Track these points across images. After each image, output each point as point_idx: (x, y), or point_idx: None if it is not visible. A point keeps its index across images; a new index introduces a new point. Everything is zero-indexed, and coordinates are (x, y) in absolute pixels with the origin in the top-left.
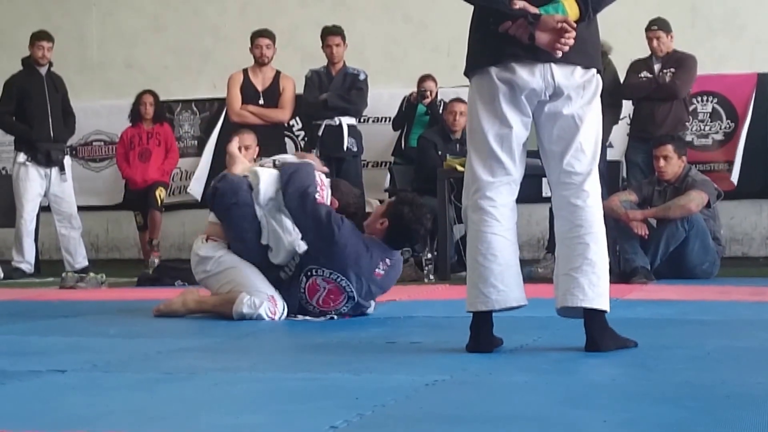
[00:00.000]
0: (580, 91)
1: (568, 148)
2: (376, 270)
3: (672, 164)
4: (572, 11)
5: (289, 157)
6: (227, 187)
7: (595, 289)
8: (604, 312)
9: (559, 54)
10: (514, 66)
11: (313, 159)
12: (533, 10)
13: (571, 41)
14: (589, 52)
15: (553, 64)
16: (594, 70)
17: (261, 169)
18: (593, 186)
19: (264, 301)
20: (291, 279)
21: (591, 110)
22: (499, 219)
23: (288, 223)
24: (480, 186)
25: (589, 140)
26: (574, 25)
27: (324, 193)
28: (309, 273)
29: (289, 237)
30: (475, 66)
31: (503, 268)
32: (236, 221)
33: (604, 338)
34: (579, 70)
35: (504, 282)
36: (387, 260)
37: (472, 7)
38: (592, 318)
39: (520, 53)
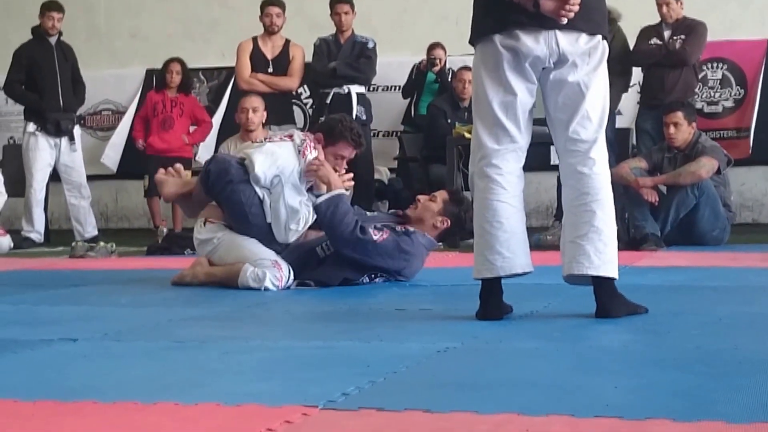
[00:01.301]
0: (585, 58)
1: (574, 115)
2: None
3: (682, 131)
4: None
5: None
6: (217, 168)
7: (602, 256)
8: (613, 279)
9: (564, 20)
10: (518, 33)
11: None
12: None
13: (576, 7)
14: (594, 19)
15: (557, 31)
16: (599, 37)
17: (253, 151)
18: (600, 153)
19: (267, 269)
20: (330, 257)
21: (597, 77)
22: (505, 186)
23: (293, 200)
24: (486, 153)
25: (595, 107)
26: None
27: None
28: (373, 275)
29: (294, 217)
30: (479, 34)
31: (509, 235)
32: (235, 198)
33: (614, 304)
34: (584, 36)
35: (510, 249)
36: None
37: None
38: (600, 285)
39: (524, 20)
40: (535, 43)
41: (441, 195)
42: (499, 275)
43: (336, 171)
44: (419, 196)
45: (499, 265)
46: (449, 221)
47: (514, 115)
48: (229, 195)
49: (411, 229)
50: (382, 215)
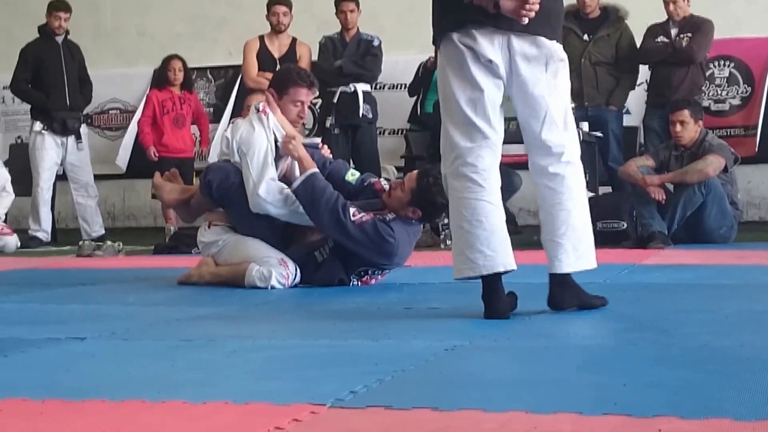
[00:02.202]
0: (543, 64)
1: (541, 122)
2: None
3: (688, 129)
4: None
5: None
6: (218, 177)
7: (578, 252)
8: (568, 273)
9: (525, 21)
10: (475, 33)
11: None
12: None
13: (536, 7)
14: (552, 24)
15: (512, 35)
16: (556, 42)
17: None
18: (570, 153)
19: (273, 268)
20: (327, 261)
21: (557, 83)
22: (482, 184)
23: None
24: (459, 153)
25: (559, 112)
26: None
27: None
28: (361, 273)
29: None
30: (439, 32)
31: (489, 233)
32: (240, 203)
33: (566, 296)
34: (542, 40)
35: (491, 247)
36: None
37: None
38: (557, 279)
39: (481, 19)
40: (490, 45)
41: (409, 182)
42: (482, 274)
43: (301, 118)
44: (392, 181)
45: (481, 263)
46: (419, 211)
47: (483, 111)
48: (233, 196)
49: (390, 216)
50: (364, 202)
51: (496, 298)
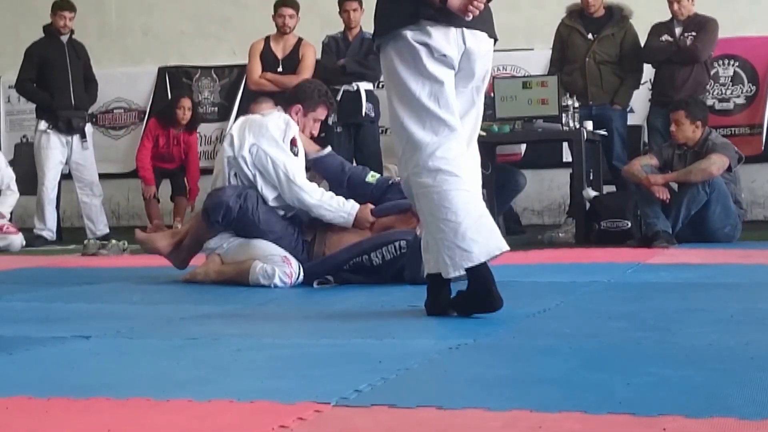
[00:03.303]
0: (485, 62)
1: (473, 119)
2: None
3: (683, 129)
4: None
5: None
6: (215, 204)
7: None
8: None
9: (470, 17)
10: (429, 29)
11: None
12: None
13: (482, 6)
14: (489, 22)
15: (466, 30)
16: (492, 41)
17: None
18: (474, 152)
19: (276, 265)
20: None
21: (485, 84)
22: (457, 173)
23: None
24: (427, 150)
25: (479, 112)
26: None
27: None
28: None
29: None
30: (389, 29)
31: (475, 219)
32: (248, 222)
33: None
34: (485, 37)
35: (481, 233)
36: None
37: None
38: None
39: (436, 15)
40: (446, 41)
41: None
42: (480, 261)
43: (312, 135)
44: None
45: (476, 251)
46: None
47: (446, 103)
48: (246, 220)
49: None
50: (396, 202)
51: (491, 291)
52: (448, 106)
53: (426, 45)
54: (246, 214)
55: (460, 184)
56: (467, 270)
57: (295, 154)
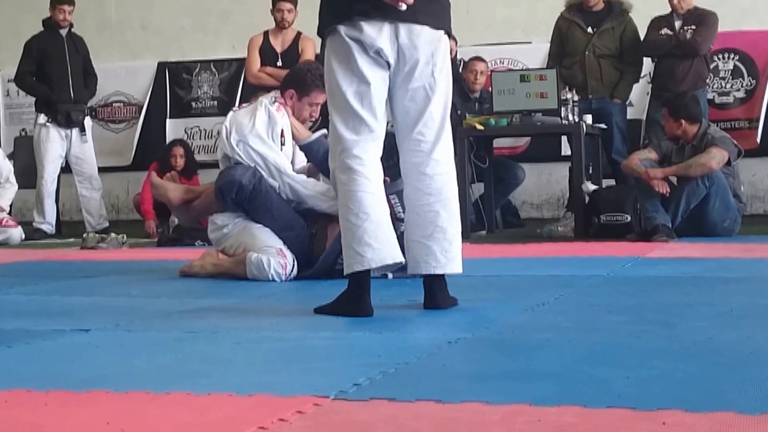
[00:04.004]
0: (428, 57)
1: (420, 118)
2: None
3: (669, 126)
4: None
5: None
6: (228, 183)
7: (448, 254)
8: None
9: (403, 7)
10: (362, 24)
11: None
12: None
13: None
14: (437, 13)
15: (400, 24)
16: (442, 32)
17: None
18: (443, 152)
19: (272, 257)
20: None
21: (442, 78)
22: (368, 176)
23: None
24: (345, 146)
25: (438, 108)
26: None
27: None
28: None
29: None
30: (325, 25)
31: (376, 225)
32: (266, 205)
33: (443, 297)
34: (427, 30)
35: (378, 239)
36: None
37: None
38: (433, 279)
39: (368, 10)
40: (379, 34)
41: None
42: (371, 266)
43: (312, 117)
44: None
45: (369, 256)
46: None
47: (369, 104)
48: (257, 207)
49: None
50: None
51: (364, 297)
52: (371, 107)
53: (358, 41)
54: (259, 196)
55: (368, 186)
56: (348, 275)
57: (283, 144)
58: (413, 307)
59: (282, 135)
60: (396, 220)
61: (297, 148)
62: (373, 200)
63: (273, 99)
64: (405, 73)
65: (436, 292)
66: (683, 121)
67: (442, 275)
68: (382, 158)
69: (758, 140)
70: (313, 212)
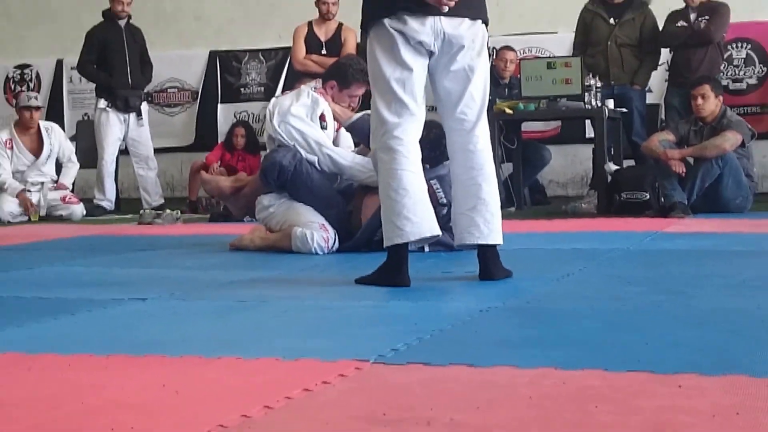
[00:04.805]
0: (470, 42)
1: (461, 98)
2: None
3: (710, 102)
4: None
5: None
6: (272, 165)
7: (490, 225)
8: (497, 245)
9: (446, 9)
10: (406, 18)
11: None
12: None
13: (453, 2)
14: (474, 5)
15: (442, 17)
16: (479, 22)
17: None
18: (483, 130)
19: (315, 231)
20: None
21: (481, 61)
22: (407, 155)
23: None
24: (388, 128)
25: (478, 89)
26: None
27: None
28: None
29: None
30: (370, 18)
31: (414, 201)
32: (307, 185)
33: (497, 268)
34: (467, 21)
35: (417, 214)
36: None
37: None
38: (486, 251)
39: (412, 6)
40: (421, 27)
41: None
42: (410, 240)
43: (351, 107)
44: None
45: (408, 230)
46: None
47: (411, 89)
48: (299, 188)
49: None
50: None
51: (402, 268)
52: (412, 92)
53: (401, 32)
54: (300, 176)
55: (408, 165)
56: (388, 247)
57: (324, 128)
58: (447, 279)
59: (324, 119)
60: (438, 205)
61: (339, 134)
62: (412, 177)
63: (314, 87)
64: (447, 59)
65: (489, 263)
66: (721, 98)
67: (495, 247)
68: (428, 147)
69: None
70: (350, 191)
